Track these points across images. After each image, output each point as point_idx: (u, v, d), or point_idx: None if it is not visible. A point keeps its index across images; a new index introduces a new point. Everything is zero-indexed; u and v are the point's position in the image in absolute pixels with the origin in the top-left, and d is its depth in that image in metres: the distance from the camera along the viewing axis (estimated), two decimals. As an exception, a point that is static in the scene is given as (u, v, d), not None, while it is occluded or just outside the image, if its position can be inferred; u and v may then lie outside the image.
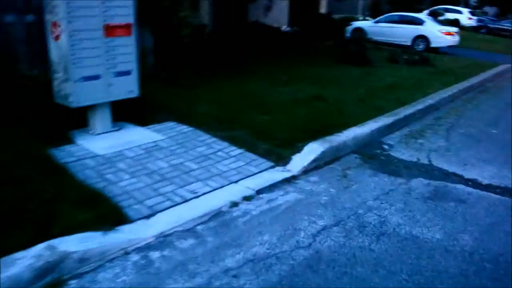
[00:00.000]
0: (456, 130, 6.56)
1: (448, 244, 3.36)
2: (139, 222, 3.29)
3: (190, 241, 3.15)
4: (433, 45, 16.17)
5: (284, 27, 14.38)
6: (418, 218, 3.74)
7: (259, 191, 3.99)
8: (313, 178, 4.44)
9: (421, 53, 13.74)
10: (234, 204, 3.71)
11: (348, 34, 16.86)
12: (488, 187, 4.53)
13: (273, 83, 8.03)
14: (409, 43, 16.53)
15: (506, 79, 12.02)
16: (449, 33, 16.70)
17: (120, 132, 5.04)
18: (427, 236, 3.45)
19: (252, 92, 7.30)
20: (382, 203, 4.00)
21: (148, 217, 3.37)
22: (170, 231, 3.24)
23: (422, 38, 16.52)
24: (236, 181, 4.11)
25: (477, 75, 11.17)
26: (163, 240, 3.13)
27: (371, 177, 4.60)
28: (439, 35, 16.41)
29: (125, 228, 3.16)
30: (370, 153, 5.31)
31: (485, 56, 15.46)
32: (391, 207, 3.93)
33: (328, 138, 5.23)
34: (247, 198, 3.84)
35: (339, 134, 5.43)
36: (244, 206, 3.74)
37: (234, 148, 4.86)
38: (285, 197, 3.97)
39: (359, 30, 17.63)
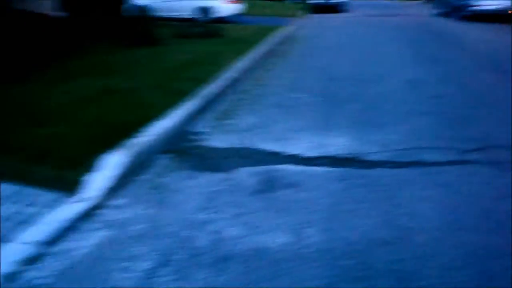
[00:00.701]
0: (263, 102, 6.24)
1: (299, 247, 2.83)
2: None
3: None
4: (216, 15, 16.06)
5: (52, 12, 12.38)
6: (257, 223, 3.13)
7: (50, 243, 2.86)
8: (121, 200, 3.47)
9: (207, 24, 13.42)
10: (13, 276, 2.55)
11: (127, 13, 15.57)
12: (311, 161, 4.23)
13: (49, 83, 6.56)
14: (192, 16, 16.11)
15: (292, 42, 12.52)
16: (233, 1, 16.78)
17: None
18: (275, 244, 2.86)
19: (21, 99, 5.77)
20: (211, 213, 3.28)
21: None
22: None
23: (204, 9, 16.27)
24: (13, 238, 2.89)
25: (267, 41, 11.32)
26: None
27: (190, 179, 3.85)
28: (220, 5, 16.36)
29: None
30: (182, 148, 4.56)
31: (269, 21, 16.05)
32: (223, 215, 3.24)
33: (130, 142, 4.27)
34: (33, 260, 2.70)
35: (142, 133, 4.52)
36: (30, 274, 2.59)
37: (3, 187, 3.53)
38: (88, 241, 2.93)
39: (140, 8, 16.47)
